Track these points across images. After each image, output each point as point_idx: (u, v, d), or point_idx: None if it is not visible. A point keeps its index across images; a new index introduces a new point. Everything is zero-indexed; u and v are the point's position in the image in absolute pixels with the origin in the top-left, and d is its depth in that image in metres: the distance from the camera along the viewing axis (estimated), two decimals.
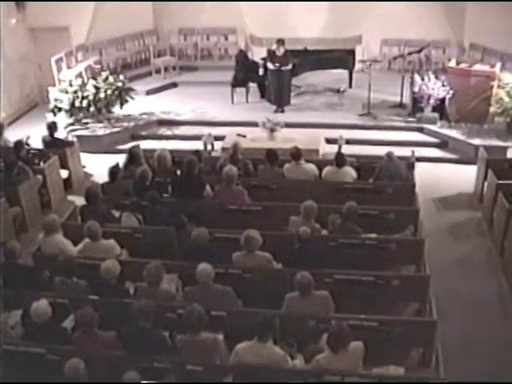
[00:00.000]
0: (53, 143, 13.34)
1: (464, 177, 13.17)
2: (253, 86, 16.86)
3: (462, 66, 15.07)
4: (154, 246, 9.23)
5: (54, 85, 16.08)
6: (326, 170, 11.18)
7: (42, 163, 12.69)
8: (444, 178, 13.35)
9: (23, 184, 11.64)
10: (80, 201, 11.18)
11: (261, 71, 16.69)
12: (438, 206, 12.37)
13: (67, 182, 13.25)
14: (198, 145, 13.07)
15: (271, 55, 16.10)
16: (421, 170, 12.23)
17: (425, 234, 9.72)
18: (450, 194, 12.78)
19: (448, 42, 18.62)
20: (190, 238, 8.73)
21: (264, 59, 16.67)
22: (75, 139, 14.41)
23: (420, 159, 12.88)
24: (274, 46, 15.94)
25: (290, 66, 15.85)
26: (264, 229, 8.87)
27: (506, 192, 10.70)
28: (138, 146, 12.57)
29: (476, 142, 14.03)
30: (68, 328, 7.61)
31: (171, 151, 11.94)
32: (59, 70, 16.67)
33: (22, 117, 17.06)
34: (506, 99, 14.09)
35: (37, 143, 13.57)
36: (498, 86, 14.42)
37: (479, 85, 14.47)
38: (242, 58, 16.93)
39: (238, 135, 13.55)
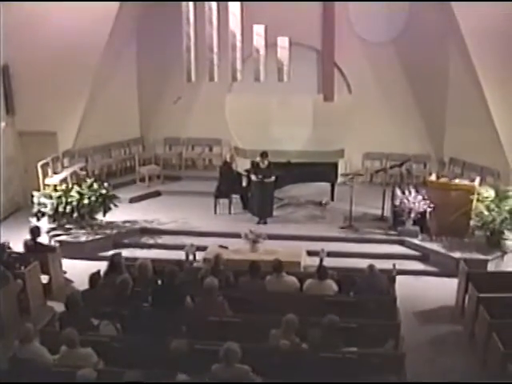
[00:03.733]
0: (35, 248, 13.30)
1: (445, 290, 13.21)
2: (236, 197, 17.02)
3: (443, 180, 15.33)
4: (133, 355, 9.09)
5: (38, 189, 16.22)
6: (308, 282, 11.18)
7: (22, 267, 12.61)
8: (425, 291, 13.37)
9: (2, 289, 11.52)
10: (59, 307, 11.08)
11: (244, 183, 16.92)
12: (419, 319, 12.32)
13: (47, 288, 13.13)
14: (179, 255, 13.10)
15: (255, 167, 16.38)
16: (402, 284, 12.21)
17: (406, 347, 9.66)
18: (432, 307, 12.78)
19: (428, 157, 19.03)
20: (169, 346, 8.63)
21: (248, 171, 16.94)
22: (57, 244, 14.39)
23: (401, 272, 12.89)
24: (258, 159, 16.25)
25: (273, 178, 16.09)
26: (244, 341, 8.77)
27: (487, 305, 10.71)
28: (119, 254, 12.53)
29: (457, 255, 14.15)
30: None
31: (153, 260, 11.89)
32: (45, 174, 16.81)
33: (6, 219, 17.04)
34: (486, 213, 14.30)
35: (18, 247, 13.52)
36: (478, 200, 14.64)
37: (459, 199, 14.69)
38: (226, 169, 17.15)
39: (220, 246, 13.63)
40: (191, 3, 15.42)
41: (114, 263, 11.59)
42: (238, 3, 15.68)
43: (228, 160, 17.33)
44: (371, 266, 11.28)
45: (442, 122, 18.52)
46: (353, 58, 18.64)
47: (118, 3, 16.85)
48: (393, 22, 18.28)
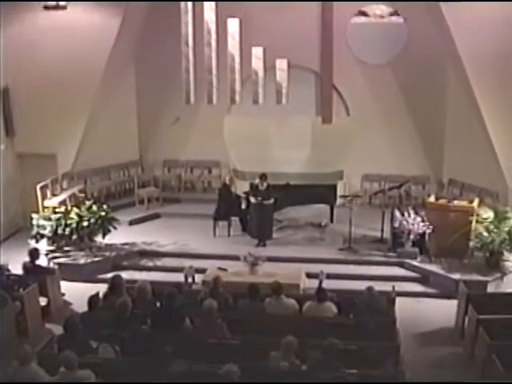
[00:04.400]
0: (33, 270, 13.29)
1: (445, 311, 13.16)
2: (235, 219, 17.01)
3: (442, 201, 15.36)
4: (132, 378, 9.06)
5: (38, 211, 16.22)
6: (307, 304, 11.17)
7: (21, 290, 12.58)
8: (425, 312, 13.35)
9: (1, 311, 11.49)
10: (58, 329, 11.02)
11: (243, 205, 16.94)
12: (419, 341, 12.28)
13: (46, 310, 13.09)
14: (179, 277, 13.04)
15: (254, 189, 16.41)
16: (401, 305, 12.17)
17: (405, 369, 9.63)
18: (431, 328, 12.75)
19: (427, 178, 19.04)
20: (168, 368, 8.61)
21: (247, 193, 16.96)
22: (56, 267, 14.38)
23: (401, 294, 12.84)
24: (257, 181, 16.28)
25: (272, 201, 16.12)
26: (243, 363, 8.74)
27: (486, 327, 10.68)
28: (119, 276, 12.49)
29: (456, 276, 14.14)
30: None
31: (152, 282, 11.89)
32: (44, 196, 16.82)
33: (5, 241, 17.04)
34: (485, 234, 14.31)
35: (17, 269, 13.49)
36: (477, 221, 14.67)
37: (458, 220, 14.69)
38: (225, 191, 17.16)
39: (219, 269, 13.65)
40: (190, 25, 15.52)
41: (114, 285, 11.57)
42: (237, 25, 15.78)
43: (227, 182, 17.35)
44: (370, 288, 11.28)
45: (441, 144, 18.56)
46: (351, 80, 18.73)
47: (117, 26, 16.96)
48: (391, 44, 18.40)
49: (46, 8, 14.46)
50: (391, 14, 18.36)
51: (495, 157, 16.46)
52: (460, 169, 17.78)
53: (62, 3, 14.44)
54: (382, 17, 18.43)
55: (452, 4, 13.28)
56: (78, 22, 16.82)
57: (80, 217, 15.45)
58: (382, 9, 18.36)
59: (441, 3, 15.16)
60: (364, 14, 18.43)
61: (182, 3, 15.46)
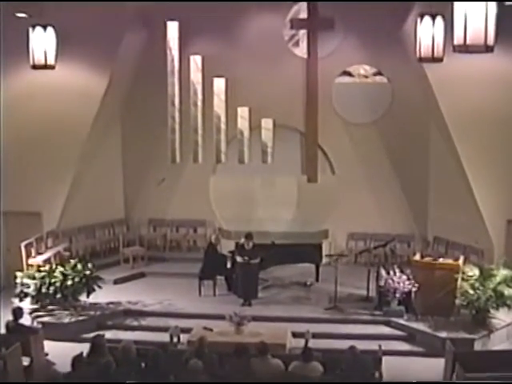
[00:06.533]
0: (17, 329, 13.11)
1: (432, 370, 13.03)
2: (220, 278, 16.93)
3: (427, 259, 15.37)
4: None
5: (22, 269, 16.10)
6: (293, 365, 11.03)
7: (3, 349, 12.40)
8: (412, 371, 13.18)
9: None
10: None
11: (229, 264, 16.91)
12: None
13: (28, 370, 12.85)
14: (164, 337, 12.93)
15: (240, 248, 16.39)
16: (388, 364, 12.03)
17: None
18: None
19: (412, 236, 19.07)
20: None
21: (232, 252, 16.95)
22: (40, 326, 14.22)
23: (387, 353, 12.72)
24: (243, 240, 16.28)
25: (258, 260, 16.10)
26: None
27: None
28: (102, 336, 12.35)
29: (443, 334, 14.08)
30: None
31: (136, 342, 11.73)
32: (28, 254, 16.72)
33: None
34: (471, 292, 14.28)
35: (0, 328, 13.33)
36: (462, 279, 14.65)
37: (444, 278, 14.70)
38: (211, 250, 17.12)
39: (205, 328, 13.54)
40: (176, 86, 15.71)
41: (96, 345, 11.43)
42: (223, 85, 16.00)
43: (212, 241, 17.33)
44: (352, 348, 11.17)
45: (425, 202, 18.68)
46: (336, 139, 18.92)
47: (104, 86, 17.13)
48: (375, 104, 18.64)
49: (34, 67, 14.58)
50: (375, 74, 18.65)
51: (480, 214, 16.58)
52: (445, 226, 17.85)
53: (50, 63, 14.54)
54: (365, 77, 18.70)
55: (434, 64, 13.51)
56: (65, 81, 16.99)
57: (64, 275, 15.33)
58: (366, 69, 18.65)
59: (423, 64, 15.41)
60: (348, 73, 18.69)
61: (169, 66, 15.69)
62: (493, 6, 7.85)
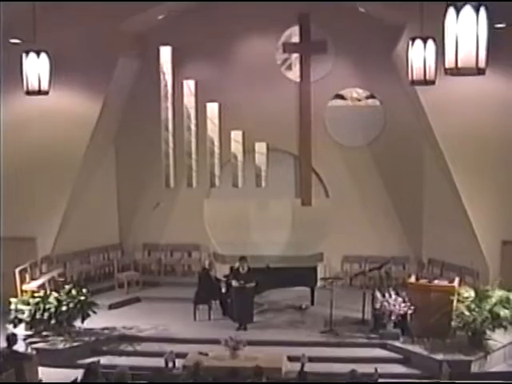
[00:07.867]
0: (11, 356, 13.02)
1: None
2: (215, 303, 16.87)
3: (422, 281, 15.38)
4: None
5: (16, 295, 16.02)
6: None
7: None
8: None
9: None
10: None
11: (223, 288, 16.86)
12: None
13: None
14: (159, 362, 12.84)
15: (235, 273, 16.37)
16: None
17: None
18: None
19: (407, 258, 19.06)
20: None
21: (227, 276, 16.92)
22: (34, 352, 14.12)
23: (383, 376, 12.69)
24: (238, 264, 16.26)
25: (253, 284, 16.05)
26: None
27: None
28: (96, 363, 12.31)
29: (439, 356, 13.99)
30: None
31: (132, 368, 11.69)
32: (23, 280, 16.66)
33: None
34: (467, 313, 14.24)
35: None
36: (458, 301, 14.63)
37: (439, 300, 14.68)
38: (205, 275, 17.09)
39: (200, 353, 13.48)
40: (170, 111, 15.79)
41: (90, 372, 11.38)
42: (216, 109, 16.07)
43: (207, 266, 17.32)
44: (353, 371, 11.13)
45: (420, 224, 18.71)
46: (329, 162, 18.98)
47: (98, 111, 17.17)
48: (368, 127, 18.73)
49: (28, 93, 14.60)
50: (367, 97, 18.75)
51: (474, 235, 16.58)
52: (440, 248, 17.86)
53: (43, 88, 14.56)
54: (358, 100, 18.81)
55: (426, 87, 13.56)
56: (59, 107, 17.01)
57: (59, 301, 15.26)
58: (359, 92, 18.76)
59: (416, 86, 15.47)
60: (341, 97, 18.80)
61: (162, 91, 15.78)
62: (484, 28, 7.88)
